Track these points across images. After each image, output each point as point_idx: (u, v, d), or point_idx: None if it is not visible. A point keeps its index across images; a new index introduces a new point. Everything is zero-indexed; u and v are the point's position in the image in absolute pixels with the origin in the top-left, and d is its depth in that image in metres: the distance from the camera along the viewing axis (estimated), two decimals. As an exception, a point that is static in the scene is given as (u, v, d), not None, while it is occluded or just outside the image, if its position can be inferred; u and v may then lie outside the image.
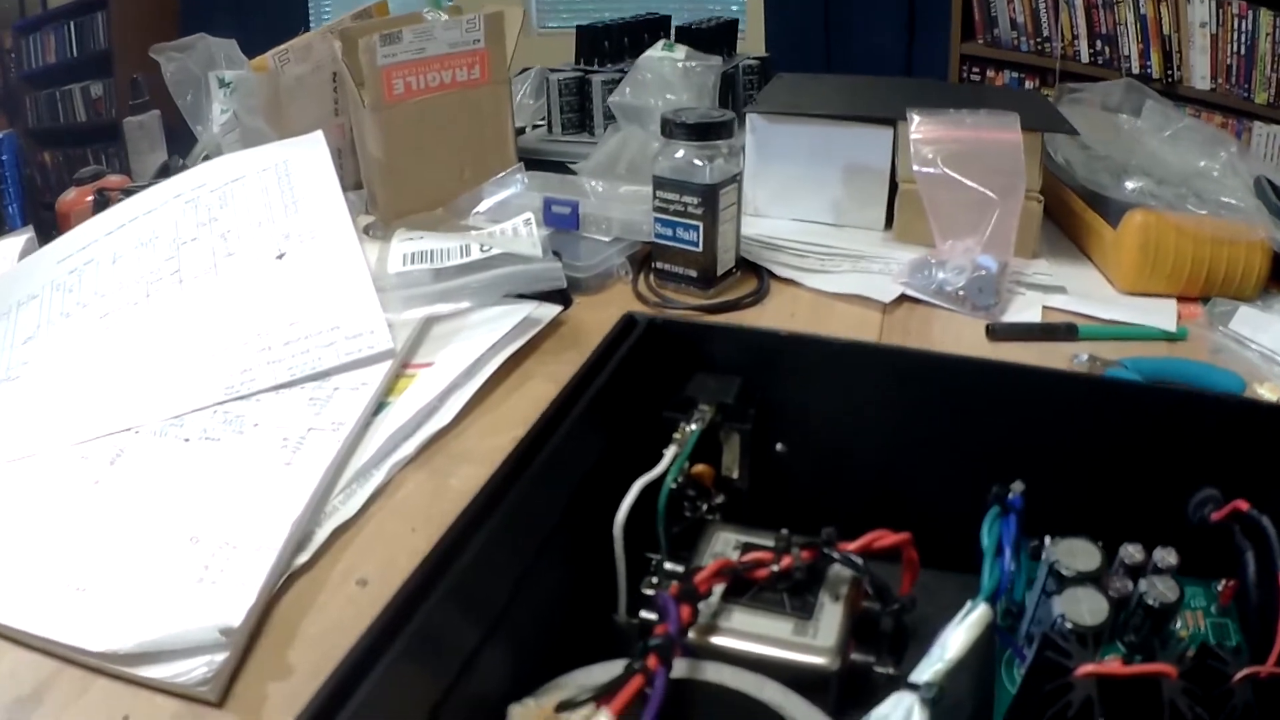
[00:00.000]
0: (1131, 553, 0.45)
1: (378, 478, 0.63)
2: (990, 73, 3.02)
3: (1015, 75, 2.97)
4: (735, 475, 0.55)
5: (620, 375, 0.53)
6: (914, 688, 0.38)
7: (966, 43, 3.05)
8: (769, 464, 0.56)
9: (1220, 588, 0.49)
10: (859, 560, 0.45)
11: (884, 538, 0.46)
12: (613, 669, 0.38)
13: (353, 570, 0.56)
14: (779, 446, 0.56)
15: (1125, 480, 0.51)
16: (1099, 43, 2.80)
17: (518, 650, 0.45)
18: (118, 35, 4.19)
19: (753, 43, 3.09)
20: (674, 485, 0.49)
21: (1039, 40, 2.91)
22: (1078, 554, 0.44)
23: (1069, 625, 0.41)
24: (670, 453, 0.50)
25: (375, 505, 0.61)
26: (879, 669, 0.46)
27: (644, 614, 0.45)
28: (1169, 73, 2.67)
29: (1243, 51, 2.58)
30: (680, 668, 0.42)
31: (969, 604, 0.41)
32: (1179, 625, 0.48)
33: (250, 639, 0.51)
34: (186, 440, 0.67)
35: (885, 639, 0.47)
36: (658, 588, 0.47)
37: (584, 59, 1.39)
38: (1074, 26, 2.83)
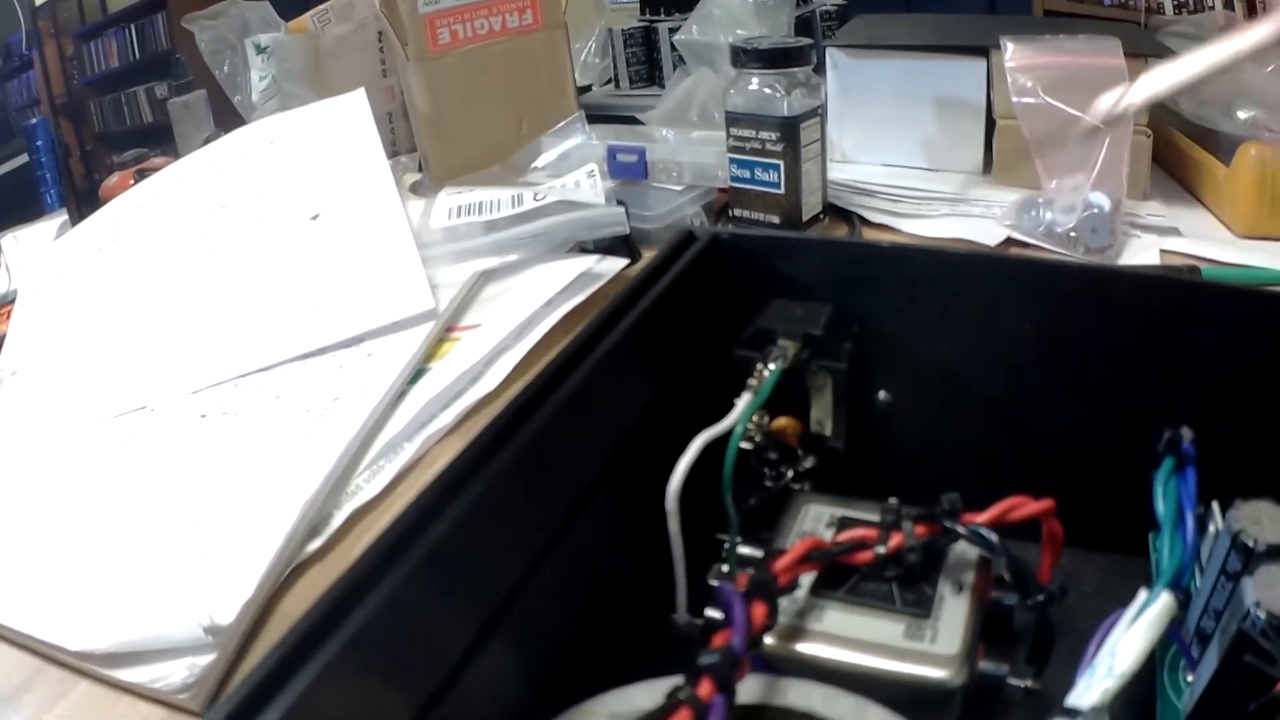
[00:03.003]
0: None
1: (409, 452, 0.56)
2: (1076, 29, 2.89)
3: (1101, 32, 2.83)
4: (828, 431, 0.44)
5: (673, 300, 0.43)
6: (1073, 715, 0.28)
7: (1049, -4, 2.92)
8: (870, 416, 0.45)
9: None
10: (993, 537, 0.34)
11: (1022, 506, 0.35)
12: (659, 691, 0.28)
13: (370, 560, 0.48)
14: (882, 394, 0.44)
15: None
16: (1183, -8, 2.65)
17: (533, 655, 0.35)
18: (179, 34, 4.22)
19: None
20: (749, 444, 0.40)
21: (1123, -9, 2.77)
22: (1265, 520, 0.33)
23: (1264, 615, 0.30)
24: (742, 401, 0.39)
25: (404, 484, 0.54)
26: (1014, 681, 0.35)
27: (710, 612, 0.35)
28: (1255, 21, 2.52)
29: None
30: (751, 689, 0.31)
31: (1143, 593, 0.30)
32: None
33: (247, 638, 0.44)
34: (203, 416, 0.61)
35: (1022, 641, 0.36)
36: (728, 577, 0.37)
37: (649, 9, 1.30)
38: (1157, -25, 2.69)
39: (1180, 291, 0.43)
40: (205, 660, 0.42)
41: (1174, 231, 0.79)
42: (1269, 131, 0.83)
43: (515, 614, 0.33)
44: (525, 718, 0.33)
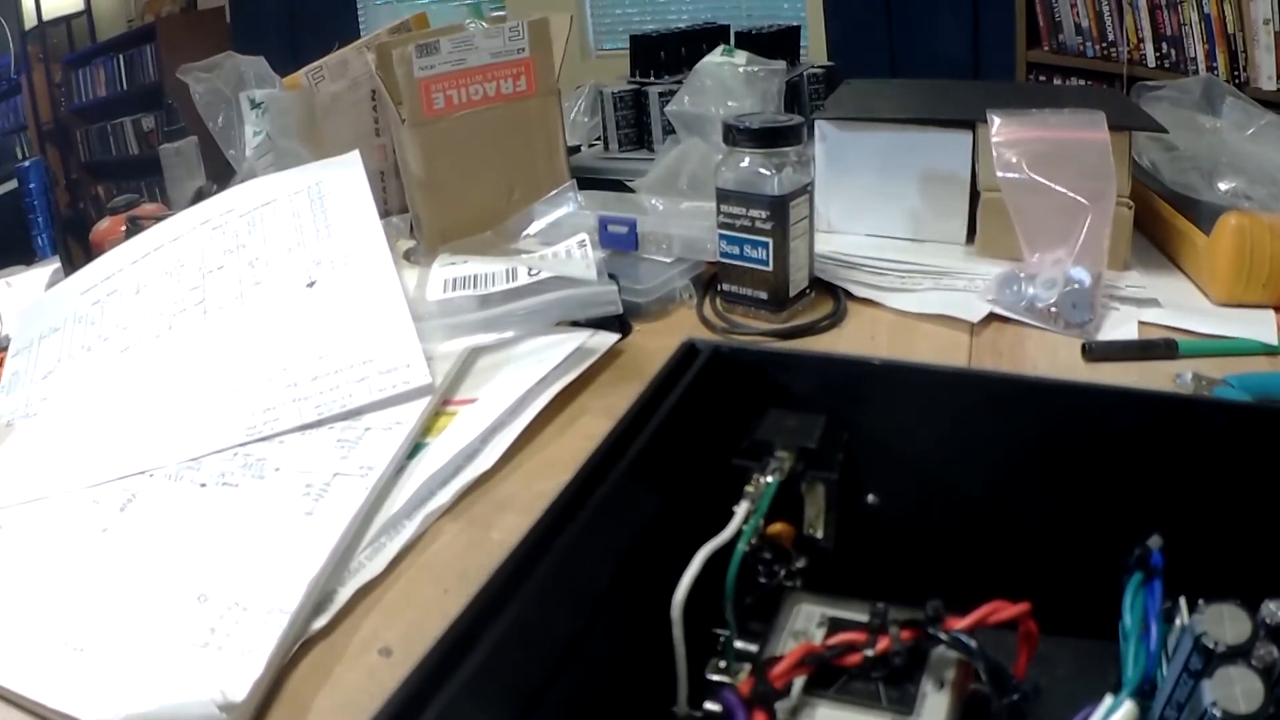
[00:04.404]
0: (1274, 611, 0.36)
1: (409, 529, 0.57)
2: (1057, 80, 2.94)
3: (1083, 82, 2.87)
4: (819, 533, 0.46)
5: (679, 415, 0.45)
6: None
7: (1032, 50, 2.98)
8: (859, 519, 0.47)
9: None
10: (972, 644, 0.37)
11: (1000, 610, 0.37)
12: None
13: (375, 638, 0.50)
14: (870, 498, 0.47)
15: (1267, 523, 0.42)
16: (1164, 45, 2.71)
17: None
18: (167, 67, 4.27)
19: (814, 56, 3.03)
20: (746, 547, 0.42)
21: (1105, 45, 2.83)
22: (1227, 622, 0.35)
23: (1220, 715, 0.33)
24: (742, 510, 0.41)
25: (405, 561, 0.55)
26: (990, 766, 0.37)
27: (709, 705, 0.37)
28: (1236, 74, 2.56)
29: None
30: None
31: (1108, 699, 0.32)
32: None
33: (258, 713, 0.46)
34: (203, 485, 0.62)
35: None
36: (725, 672, 0.38)
37: (639, 71, 1.32)
38: (1139, 29, 2.74)
39: (1152, 404, 0.45)
40: (220, 735, 0.44)
41: (1153, 303, 0.81)
42: (1248, 200, 0.85)
43: (542, 710, 0.35)
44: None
